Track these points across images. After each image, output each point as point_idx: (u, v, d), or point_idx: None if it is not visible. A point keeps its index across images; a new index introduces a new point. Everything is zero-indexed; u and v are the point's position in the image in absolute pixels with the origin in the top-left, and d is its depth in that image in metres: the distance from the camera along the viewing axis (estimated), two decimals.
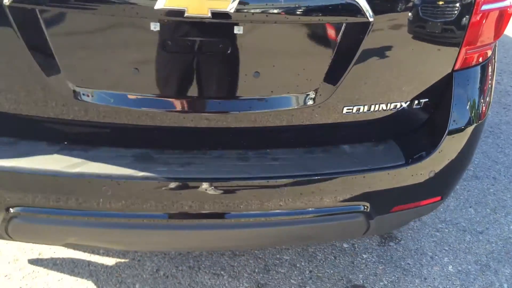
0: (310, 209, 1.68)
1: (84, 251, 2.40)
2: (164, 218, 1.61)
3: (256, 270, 2.40)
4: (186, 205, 1.59)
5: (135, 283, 2.27)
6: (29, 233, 1.69)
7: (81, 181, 1.53)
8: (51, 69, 1.46)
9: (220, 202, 1.61)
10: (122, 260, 2.38)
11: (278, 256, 2.49)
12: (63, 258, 2.36)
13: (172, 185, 1.56)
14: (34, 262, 2.33)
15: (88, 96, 1.53)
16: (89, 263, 2.35)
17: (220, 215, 1.62)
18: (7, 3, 1.34)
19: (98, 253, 2.40)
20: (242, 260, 2.44)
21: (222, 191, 1.60)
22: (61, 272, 2.29)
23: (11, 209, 1.58)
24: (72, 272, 2.30)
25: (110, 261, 2.37)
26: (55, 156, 1.56)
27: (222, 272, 2.37)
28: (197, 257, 2.44)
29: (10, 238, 1.70)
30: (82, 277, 2.28)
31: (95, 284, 2.25)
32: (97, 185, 1.53)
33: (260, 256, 2.48)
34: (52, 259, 2.35)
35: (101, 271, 2.32)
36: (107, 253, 2.41)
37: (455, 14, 1.59)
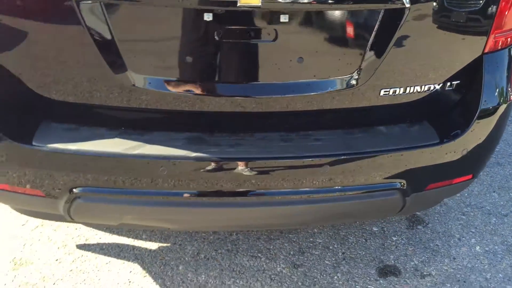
0: (351, 186, 1.79)
1: (128, 237, 2.53)
2: (216, 196, 1.73)
3: (291, 252, 2.51)
4: (236, 183, 1.71)
5: (178, 265, 2.40)
6: (89, 213, 1.82)
7: (140, 162, 1.65)
8: (113, 58, 1.59)
9: (268, 181, 1.72)
10: (164, 244, 2.50)
11: (311, 239, 2.60)
12: (108, 243, 2.49)
13: (223, 164, 1.68)
14: (82, 247, 2.46)
15: (146, 83, 1.65)
16: (133, 247, 2.48)
17: (268, 194, 1.73)
18: None
19: (141, 238, 2.53)
20: (277, 244, 2.55)
21: (269, 170, 1.72)
22: (108, 255, 2.42)
23: (74, 189, 1.71)
24: (118, 256, 2.42)
25: (153, 245, 2.49)
26: (115, 140, 1.69)
27: (259, 255, 2.48)
28: (234, 241, 2.55)
29: (71, 219, 1.83)
30: (128, 260, 2.40)
31: (141, 266, 2.37)
32: (155, 165, 1.65)
33: (294, 239, 2.59)
34: (98, 244, 2.48)
35: (145, 254, 2.44)
36: (150, 238, 2.54)
37: (485, 3, 1.69)
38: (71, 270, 2.33)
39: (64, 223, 2.57)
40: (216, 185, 1.71)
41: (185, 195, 1.72)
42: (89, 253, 2.43)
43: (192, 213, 1.79)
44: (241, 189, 1.72)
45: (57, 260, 2.38)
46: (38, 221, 2.59)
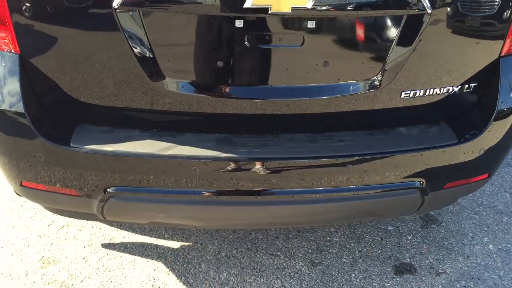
0: (373, 185, 1.86)
1: (151, 236, 2.61)
2: (245, 195, 1.80)
3: (310, 251, 2.58)
4: (264, 182, 1.78)
5: (201, 263, 2.47)
6: (122, 212, 1.90)
7: (173, 162, 1.72)
8: (151, 66, 1.67)
9: (293, 180, 1.80)
10: (186, 243, 2.58)
11: (328, 238, 2.67)
12: (133, 243, 2.56)
13: (252, 164, 1.75)
14: (107, 246, 2.54)
15: (178, 87, 1.73)
16: (156, 246, 2.55)
17: (295, 192, 1.80)
18: (116, 7, 1.54)
19: (164, 238, 2.61)
20: (295, 242, 2.63)
21: (294, 170, 1.79)
22: (132, 254, 2.50)
23: (108, 189, 1.78)
24: (142, 254, 2.50)
25: (175, 244, 2.57)
26: (148, 141, 1.77)
27: (278, 253, 2.55)
28: (254, 239, 2.63)
29: (104, 218, 1.90)
30: (152, 259, 2.48)
31: (165, 264, 2.45)
32: (187, 165, 1.72)
33: (312, 238, 2.66)
34: (123, 243, 2.56)
35: (168, 253, 2.52)
36: (172, 237, 2.61)
37: (501, 8, 1.76)
38: (97, 268, 2.40)
39: (89, 223, 2.66)
40: (245, 184, 1.78)
41: (215, 194, 1.79)
42: (114, 252, 2.50)
43: (221, 211, 1.87)
44: (269, 188, 1.80)
45: (83, 258, 2.46)
46: (64, 221, 2.67)
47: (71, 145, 1.72)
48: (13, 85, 1.67)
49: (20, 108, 1.66)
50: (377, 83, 1.79)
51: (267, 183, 1.79)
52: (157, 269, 2.41)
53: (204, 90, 1.75)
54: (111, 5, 1.55)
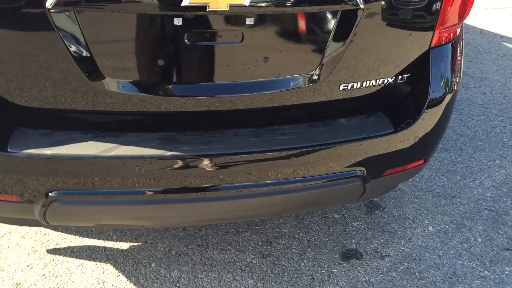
0: (316, 176, 1.92)
1: (99, 238, 2.56)
2: (192, 192, 1.81)
3: (260, 243, 2.62)
4: (210, 179, 1.80)
5: (151, 262, 2.45)
6: (66, 216, 1.85)
7: (116, 163, 1.71)
8: (88, 66, 1.64)
9: (240, 175, 1.82)
10: (135, 244, 2.55)
11: (277, 230, 2.72)
12: (79, 246, 2.51)
13: (197, 161, 1.76)
14: (53, 251, 2.47)
15: (119, 87, 1.71)
16: (105, 248, 2.51)
17: (240, 187, 1.83)
18: (49, 7, 1.50)
19: (112, 239, 2.57)
20: (245, 236, 2.66)
21: (240, 165, 1.82)
22: (79, 258, 2.45)
23: (50, 194, 1.74)
24: (90, 258, 2.46)
25: (124, 245, 2.54)
26: (90, 142, 1.74)
27: (229, 247, 2.58)
28: (204, 236, 2.64)
29: (47, 223, 1.85)
30: (101, 261, 2.44)
31: (114, 266, 2.42)
32: (131, 165, 1.71)
33: (261, 231, 2.70)
34: (69, 247, 2.50)
35: (117, 254, 2.48)
36: (120, 238, 2.58)
37: (430, 1, 1.85)
38: (43, 275, 2.34)
39: (32, 229, 2.58)
40: (191, 181, 1.79)
41: (162, 192, 1.79)
42: (60, 257, 2.44)
43: (169, 209, 1.87)
44: (216, 183, 1.81)
45: (28, 265, 2.39)
46: (6, 228, 2.58)
47: (9, 150, 1.67)
48: None
49: None
50: (316, 77, 1.84)
51: (214, 179, 1.80)
52: (106, 272, 2.38)
53: (146, 89, 1.74)
54: (44, 5, 1.51)
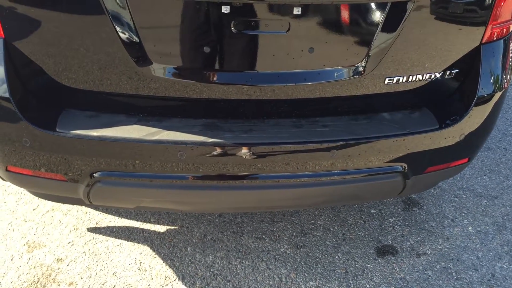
0: (356, 169, 1.90)
1: (137, 220, 2.62)
2: (232, 179, 1.83)
3: (294, 234, 2.62)
4: (250, 167, 1.81)
5: (187, 246, 2.50)
6: (109, 196, 1.90)
7: (159, 147, 1.74)
8: (137, 51, 1.67)
9: (280, 165, 1.82)
10: (172, 227, 2.60)
11: (312, 221, 2.72)
12: (119, 227, 2.58)
13: (238, 149, 1.77)
14: (93, 230, 2.55)
15: (165, 72, 1.73)
16: (142, 230, 2.57)
17: (281, 177, 1.83)
18: None
19: (150, 221, 2.62)
20: (280, 226, 2.67)
21: (281, 155, 1.82)
22: (118, 238, 2.51)
23: (94, 174, 1.79)
24: (128, 238, 2.52)
25: (161, 228, 2.59)
26: (135, 126, 1.77)
27: (263, 236, 2.59)
28: (240, 223, 2.66)
29: (90, 202, 1.91)
30: (138, 242, 2.50)
31: (151, 248, 2.47)
32: (173, 150, 1.74)
33: (296, 222, 2.70)
34: (108, 227, 2.57)
35: (154, 237, 2.54)
36: (158, 221, 2.63)
37: None
38: (83, 252, 2.42)
39: (74, 207, 2.66)
40: (231, 169, 1.80)
41: (202, 178, 1.81)
42: (100, 236, 2.51)
43: (207, 195, 1.89)
44: (255, 172, 1.82)
45: (69, 242, 2.47)
46: (49, 205, 2.67)
47: (57, 130, 1.72)
48: None
49: (5, 93, 1.66)
50: (361, 69, 1.82)
51: (253, 167, 1.81)
52: (143, 253, 2.44)
53: (191, 75, 1.76)
54: None
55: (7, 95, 1.65)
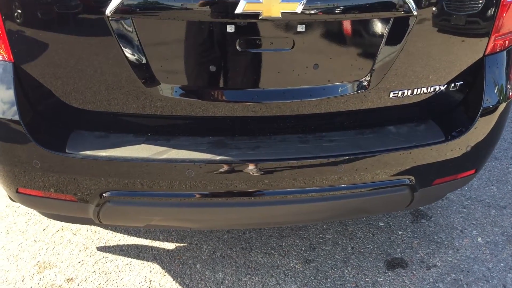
0: (364, 183, 1.90)
1: (146, 238, 2.63)
2: (240, 196, 1.84)
3: (303, 248, 2.62)
4: (258, 183, 1.82)
5: (196, 263, 2.50)
6: (119, 216, 1.92)
7: (168, 165, 1.75)
8: (144, 72, 1.69)
9: (287, 180, 1.83)
10: (181, 244, 2.61)
11: (321, 235, 2.72)
12: (128, 245, 2.59)
13: (245, 166, 1.78)
14: (103, 249, 2.56)
15: (172, 92, 1.75)
16: (152, 248, 2.58)
17: (290, 192, 1.84)
18: (109, 14, 1.56)
19: (159, 239, 2.63)
20: (289, 240, 2.67)
21: (288, 170, 1.83)
22: (128, 256, 2.52)
23: (104, 194, 1.81)
24: (138, 256, 2.52)
25: (170, 245, 2.59)
26: (143, 145, 1.79)
27: (272, 251, 2.59)
28: (248, 239, 2.66)
29: (100, 222, 1.92)
30: (148, 260, 2.50)
31: (160, 266, 2.47)
32: (182, 169, 1.75)
33: (305, 236, 2.70)
34: (118, 246, 2.58)
35: (163, 254, 2.54)
36: (167, 238, 2.64)
37: (485, 7, 1.81)
38: (93, 272, 2.42)
39: (83, 227, 2.67)
40: (239, 186, 1.81)
41: (210, 195, 1.83)
42: (110, 255, 2.52)
43: (216, 212, 1.90)
44: (263, 188, 1.83)
45: (79, 262, 2.47)
46: (59, 225, 2.68)
47: (67, 151, 1.75)
48: (8, 93, 1.69)
49: (15, 116, 1.68)
50: (366, 83, 1.84)
51: (261, 184, 1.82)
52: (153, 271, 2.44)
53: (198, 94, 1.78)
54: (104, 12, 1.57)
55: (17, 118, 1.68)
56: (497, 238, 2.73)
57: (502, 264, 2.54)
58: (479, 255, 2.60)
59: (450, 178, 2.07)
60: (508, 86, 2.01)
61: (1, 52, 1.67)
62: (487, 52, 1.91)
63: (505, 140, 3.68)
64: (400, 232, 2.76)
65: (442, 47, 1.86)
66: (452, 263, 2.55)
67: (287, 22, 1.66)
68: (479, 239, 2.72)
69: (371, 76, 1.82)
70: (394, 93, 1.88)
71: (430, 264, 2.53)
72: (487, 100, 1.93)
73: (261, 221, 2.06)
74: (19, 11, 1.60)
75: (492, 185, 3.17)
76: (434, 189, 2.08)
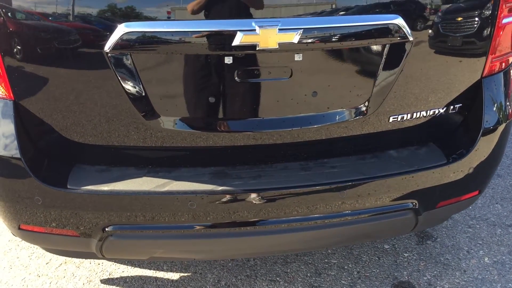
0: (367, 209, 1.89)
1: (150, 269, 2.61)
2: (243, 226, 1.83)
3: (308, 274, 2.59)
4: (262, 212, 1.81)
5: None
6: (122, 249, 1.90)
7: (170, 198, 1.75)
8: (144, 106, 1.70)
9: (290, 208, 1.83)
10: (185, 274, 2.58)
11: (326, 260, 2.69)
12: (132, 276, 2.56)
13: (248, 195, 1.78)
14: (106, 281, 2.53)
15: (173, 124, 1.76)
16: (156, 279, 2.55)
17: (294, 220, 1.83)
18: (107, 50, 1.58)
19: (163, 269, 2.61)
20: (294, 266, 2.64)
21: (290, 198, 1.82)
22: None
23: (107, 228, 1.80)
24: None
25: (174, 276, 2.57)
26: (144, 178, 1.79)
27: (277, 278, 2.57)
28: (253, 266, 2.64)
29: (103, 256, 1.91)
30: None
31: None
32: (184, 201, 1.75)
33: (310, 261, 2.68)
34: (122, 277, 2.56)
35: (168, 285, 2.52)
36: (171, 268, 2.61)
37: (481, 28, 1.83)
38: None
39: (87, 260, 2.65)
40: (242, 215, 1.80)
41: (214, 226, 1.82)
42: (114, 287, 2.50)
43: (221, 243, 1.88)
44: (267, 217, 1.82)
45: None
46: (62, 258, 2.66)
47: (68, 186, 1.74)
48: (8, 131, 1.69)
49: (16, 153, 1.68)
50: (365, 109, 1.84)
51: (264, 213, 1.81)
52: None
53: (198, 126, 1.79)
54: (103, 48, 1.58)
55: (18, 155, 1.68)
56: (504, 257, 2.70)
57: (510, 285, 2.51)
58: (486, 276, 2.57)
59: (454, 200, 2.06)
60: (508, 106, 2.01)
61: (1, 90, 1.68)
62: (484, 74, 1.92)
63: (508, 157, 3.68)
64: (406, 255, 2.74)
65: (439, 71, 1.87)
66: (460, 285, 2.51)
67: (284, 52, 1.67)
68: (486, 259, 2.69)
69: (370, 101, 1.82)
70: (393, 117, 1.89)
71: (438, 287, 2.50)
72: (487, 121, 1.93)
73: (265, 250, 2.04)
74: (19, 47, 1.62)
75: (497, 203, 3.16)
76: (439, 212, 2.07)
